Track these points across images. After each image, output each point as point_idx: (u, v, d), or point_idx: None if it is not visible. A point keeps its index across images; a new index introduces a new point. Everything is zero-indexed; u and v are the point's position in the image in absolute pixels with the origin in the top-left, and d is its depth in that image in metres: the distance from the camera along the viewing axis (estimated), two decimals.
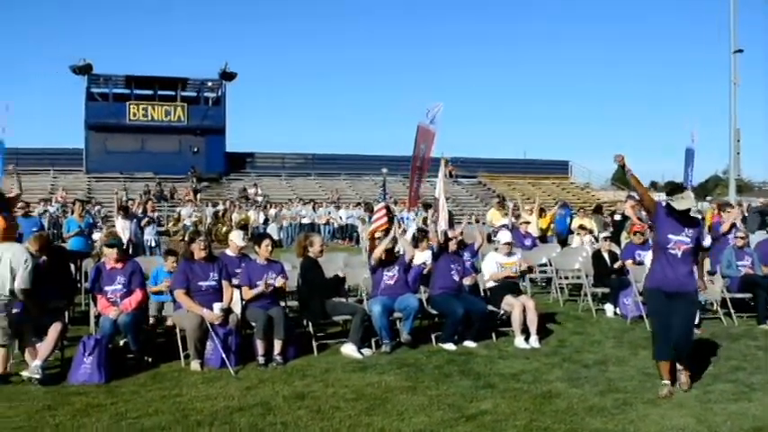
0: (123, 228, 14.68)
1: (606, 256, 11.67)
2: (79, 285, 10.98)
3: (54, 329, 7.37)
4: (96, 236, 14.80)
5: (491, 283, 9.69)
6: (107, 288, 8.07)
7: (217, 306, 7.86)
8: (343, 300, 9.32)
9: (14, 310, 7.22)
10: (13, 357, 7.48)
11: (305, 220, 28.84)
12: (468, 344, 8.83)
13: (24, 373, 7.10)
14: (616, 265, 11.36)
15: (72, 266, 10.70)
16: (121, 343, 8.31)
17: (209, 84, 40.79)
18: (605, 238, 12.25)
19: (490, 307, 9.36)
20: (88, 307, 9.27)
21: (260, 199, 33.91)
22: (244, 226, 24.88)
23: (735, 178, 29.43)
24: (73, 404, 6.48)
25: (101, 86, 39.76)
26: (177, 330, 8.10)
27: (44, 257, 7.76)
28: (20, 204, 12.41)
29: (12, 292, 7.10)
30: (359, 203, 31.46)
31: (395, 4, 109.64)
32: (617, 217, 16.73)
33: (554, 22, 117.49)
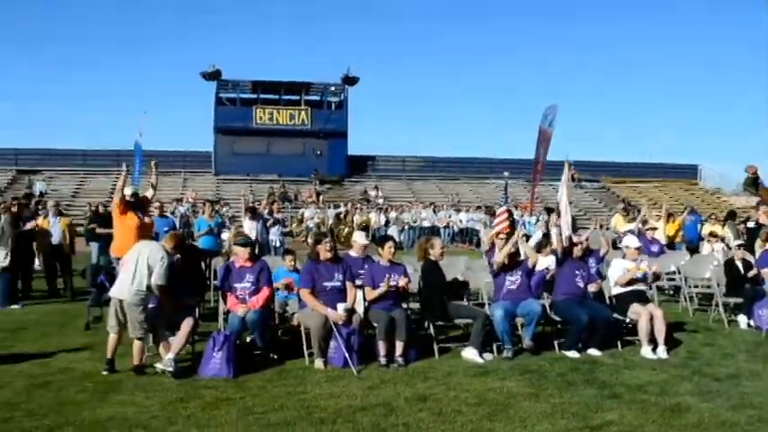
0: (250, 228, 15.10)
1: (740, 264, 11.14)
2: (208, 283, 11.39)
3: (186, 324, 7.70)
4: (224, 235, 15.29)
5: (617, 291, 9.42)
6: (236, 286, 8.33)
7: (341, 306, 8.00)
8: (465, 303, 9.29)
9: (150, 305, 7.58)
10: (148, 350, 7.84)
11: (425, 223, 28.96)
12: (593, 352, 8.62)
13: (158, 366, 7.43)
14: (750, 274, 10.83)
15: (202, 264, 11.12)
16: (248, 339, 8.60)
17: (332, 88, 41.39)
18: (739, 246, 11.71)
19: (616, 315, 9.11)
20: (217, 304, 9.59)
21: (381, 201, 34.22)
22: (365, 228, 25.20)
23: None
24: (203, 397, 6.72)
25: (229, 92, 41.06)
26: (302, 329, 8.29)
27: (178, 255, 8.08)
28: (156, 204, 13.04)
29: (148, 287, 7.46)
30: (479, 207, 31.30)
31: (512, 5, 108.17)
32: (750, 224, 15.97)
33: (684, 24, 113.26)
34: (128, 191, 10.21)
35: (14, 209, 13.05)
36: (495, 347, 8.60)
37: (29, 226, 13.17)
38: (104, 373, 7.49)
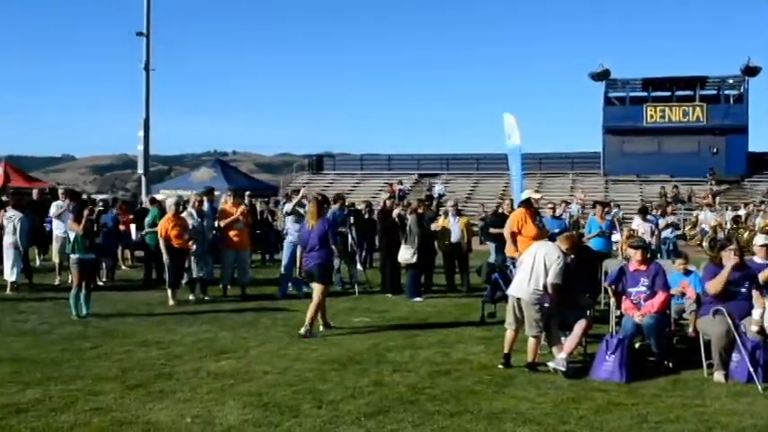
0: (643, 230, 14.75)
1: None
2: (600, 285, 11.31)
3: (579, 325, 7.77)
4: (615, 237, 15.06)
5: None
6: (630, 289, 8.18)
7: (756, 312, 7.46)
8: None
9: (546, 305, 7.75)
10: (541, 348, 8.01)
11: None
12: None
13: (551, 364, 7.59)
14: None
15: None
16: (636, 345, 8.38)
17: (730, 81, 38.91)
18: None
19: None
20: (608, 306, 9.50)
21: None
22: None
23: None
24: (595, 399, 6.69)
25: (618, 91, 40.67)
26: (700, 337, 7.88)
27: (572, 256, 8.16)
28: (549, 206, 13.34)
29: (544, 286, 7.65)
30: None
31: None
32: None
33: None
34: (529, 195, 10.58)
35: (420, 210, 14.10)
36: None
37: (433, 227, 14.18)
38: (500, 366, 7.82)
